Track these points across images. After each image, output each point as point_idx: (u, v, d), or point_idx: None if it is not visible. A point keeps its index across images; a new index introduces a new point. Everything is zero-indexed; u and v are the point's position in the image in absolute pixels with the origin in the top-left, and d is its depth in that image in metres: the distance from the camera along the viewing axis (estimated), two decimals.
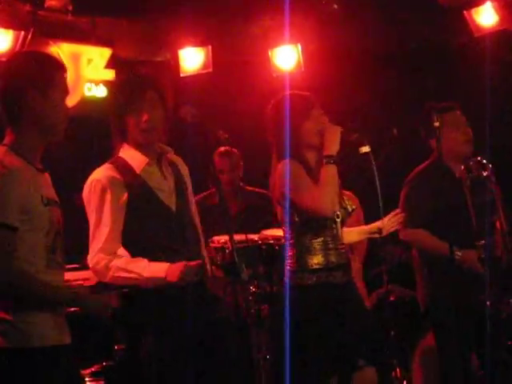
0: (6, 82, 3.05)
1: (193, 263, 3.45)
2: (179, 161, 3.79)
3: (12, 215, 2.87)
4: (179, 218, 3.61)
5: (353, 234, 4.25)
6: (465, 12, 6.36)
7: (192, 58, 6.66)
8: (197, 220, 3.78)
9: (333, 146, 3.88)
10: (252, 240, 4.59)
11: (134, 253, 3.53)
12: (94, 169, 3.70)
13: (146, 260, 3.50)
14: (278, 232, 4.69)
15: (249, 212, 5.54)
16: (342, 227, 4.01)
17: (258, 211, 5.33)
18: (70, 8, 6.06)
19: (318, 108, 4.01)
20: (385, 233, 4.20)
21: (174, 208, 3.61)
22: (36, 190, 2.95)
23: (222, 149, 5.40)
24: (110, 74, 6.55)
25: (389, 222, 4.20)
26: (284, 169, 3.92)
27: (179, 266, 3.45)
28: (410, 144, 5.64)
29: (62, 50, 6.19)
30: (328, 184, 3.83)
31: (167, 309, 3.46)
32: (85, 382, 3.20)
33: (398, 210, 4.30)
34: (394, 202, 4.69)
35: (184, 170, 3.78)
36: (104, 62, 6.50)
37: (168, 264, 3.47)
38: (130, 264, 3.49)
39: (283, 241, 4.48)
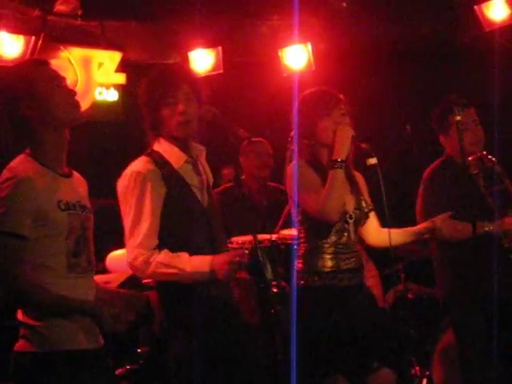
0: (1, 106, 3.04)
1: (235, 255, 3.35)
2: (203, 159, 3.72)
3: (21, 224, 2.86)
4: (210, 216, 3.56)
5: (399, 235, 4.09)
6: (475, 7, 6.34)
7: (202, 60, 6.65)
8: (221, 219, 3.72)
9: (341, 150, 3.80)
10: (271, 240, 4.56)
11: (166, 249, 3.43)
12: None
13: (186, 254, 3.38)
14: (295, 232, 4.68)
15: (273, 208, 5.48)
16: (357, 228, 3.97)
17: (282, 207, 5.28)
18: (80, 12, 6.07)
19: (342, 107, 3.94)
20: (440, 234, 4.09)
21: (206, 205, 3.55)
22: (52, 196, 2.93)
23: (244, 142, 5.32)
24: (121, 78, 6.55)
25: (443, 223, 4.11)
26: (293, 170, 3.89)
27: (224, 260, 3.34)
28: (424, 140, 5.61)
29: (72, 55, 6.20)
30: (334, 189, 3.75)
31: (194, 311, 3.40)
32: None
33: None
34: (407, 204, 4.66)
35: (207, 167, 3.73)
36: (114, 65, 6.51)
37: (211, 257, 3.37)
38: (172, 259, 3.37)
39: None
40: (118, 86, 6.57)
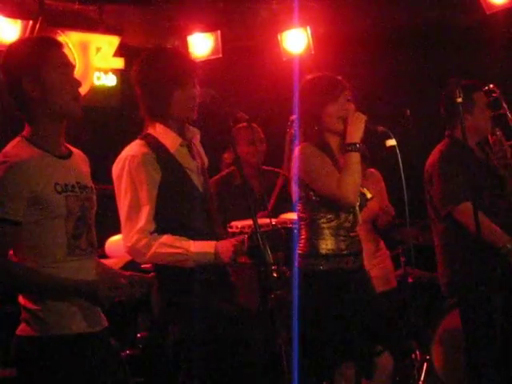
0: (3, 76, 3.01)
1: (238, 240, 3.36)
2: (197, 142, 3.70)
3: (14, 209, 2.84)
4: (206, 199, 3.56)
5: None
6: None
7: (201, 44, 6.63)
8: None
9: (355, 134, 3.82)
10: (271, 224, 4.54)
11: (164, 233, 3.43)
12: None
13: (188, 239, 3.40)
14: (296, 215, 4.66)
15: (268, 192, 5.46)
16: (358, 213, 3.98)
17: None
18: None
19: (347, 94, 3.94)
20: None
21: (201, 189, 3.55)
22: (48, 179, 2.91)
23: (242, 124, 5.30)
24: (119, 63, 6.51)
25: None
26: (301, 152, 3.89)
27: (230, 243, 3.36)
28: (423, 124, 5.59)
29: (70, 39, 6.15)
30: (351, 172, 3.79)
31: (193, 295, 3.39)
32: (125, 366, 3.12)
33: None
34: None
35: (202, 150, 3.71)
36: (113, 50, 6.47)
37: (215, 241, 3.39)
38: (176, 240, 3.38)
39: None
40: (116, 71, 6.53)
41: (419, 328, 5.51)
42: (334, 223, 3.89)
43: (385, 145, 3.85)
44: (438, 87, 4.67)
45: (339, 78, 3.98)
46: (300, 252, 3.95)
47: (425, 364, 5.40)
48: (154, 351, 3.66)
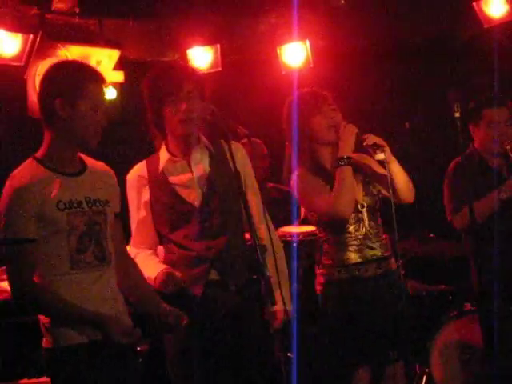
0: (40, 88, 3.16)
1: (177, 274, 3.48)
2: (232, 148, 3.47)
3: (28, 227, 2.99)
4: (204, 213, 3.58)
5: None
6: (474, 3, 6.32)
7: (201, 58, 6.63)
8: (244, 210, 3.39)
9: (346, 147, 3.88)
10: None
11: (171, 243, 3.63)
12: (117, 171, 3.71)
13: (156, 259, 3.63)
14: (296, 229, 4.68)
15: (271, 207, 5.46)
16: (373, 215, 4.02)
17: (279, 205, 5.26)
18: (77, 10, 6.04)
19: (330, 103, 4.01)
20: None
21: (197, 203, 3.59)
22: (51, 197, 3.03)
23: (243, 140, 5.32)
24: (119, 76, 6.52)
25: None
26: (296, 179, 3.99)
27: (161, 275, 3.48)
28: (423, 136, 5.62)
29: (70, 53, 6.16)
30: (343, 186, 3.83)
31: (193, 305, 3.48)
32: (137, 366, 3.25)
33: None
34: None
35: (238, 157, 3.59)
36: (113, 63, 6.47)
37: (161, 269, 3.52)
38: (143, 261, 3.54)
39: (301, 238, 4.51)
40: (116, 84, 6.54)
41: (418, 340, 5.50)
42: (349, 232, 3.96)
43: (374, 158, 3.88)
44: (437, 101, 4.70)
45: (317, 90, 4.05)
46: (325, 264, 4.03)
47: (424, 377, 5.39)
48: (154, 365, 3.68)
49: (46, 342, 3.09)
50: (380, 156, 3.84)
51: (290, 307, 3.55)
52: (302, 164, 4.00)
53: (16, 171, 3.10)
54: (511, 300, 4.59)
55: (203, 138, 3.67)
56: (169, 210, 3.58)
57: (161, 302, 3.26)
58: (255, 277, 3.35)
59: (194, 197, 3.59)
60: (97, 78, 3.15)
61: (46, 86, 3.15)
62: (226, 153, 3.53)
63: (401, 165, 3.95)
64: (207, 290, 3.50)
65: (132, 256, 3.50)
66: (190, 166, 3.64)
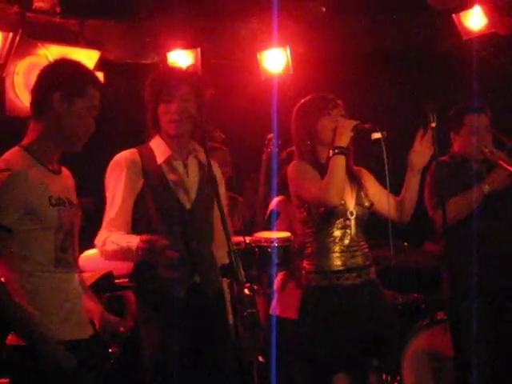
0: (39, 78, 3.14)
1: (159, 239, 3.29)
2: (212, 163, 3.53)
3: (10, 216, 2.92)
4: (192, 216, 3.56)
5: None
6: (453, 15, 6.39)
7: (181, 61, 6.61)
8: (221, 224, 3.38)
9: (342, 138, 3.91)
10: (245, 242, 4.57)
11: None
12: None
13: (134, 236, 3.41)
14: (271, 234, 4.69)
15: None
16: (360, 225, 4.04)
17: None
18: (58, 10, 6.04)
19: (340, 110, 4.07)
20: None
21: (188, 206, 3.57)
22: (44, 191, 3.01)
23: (216, 143, 5.34)
24: (99, 77, 6.50)
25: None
26: (291, 168, 4.06)
27: (151, 237, 3.31)
28: (400, 145, 5.64)
29: (50, 52, 6.14)
30: (335, 174, 3.86)
31: (168, 312, 3.45)
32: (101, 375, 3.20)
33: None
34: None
35: (216, 172, 3.63)
36: (92, 64, 6.43)
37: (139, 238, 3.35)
38: (120, 236, 3.43)
39: (275, 244, 4.52)
40: None
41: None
42: (335, 238, 3.98)
43: (371, 138, 3.91)
44: (415, 110, 4.73)
45: (333, 97, 4.11)
46: (306, 269, 4.05)
47: None
48: (126, 366, 3.67)
49: (16, 340, 2.99)
50: (376, 135, 3.88)
51: None
52: (302, 158, 4.07)
53: (7, 156, 3.03)
54: (488, 296, 4.61)
55: (195, 144, 3.67)
56: (161, 205, 3.53)
57: (103, 313, 3.24)
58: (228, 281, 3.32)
59: (186, 199, 3.58)
60: (98, 83, 3.17)
61: (47, 78, 3.12)
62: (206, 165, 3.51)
63: (378, 172, 3.99)
64: (189, 293, 3.49)
65: (102, 238, 3.43)
66: (186, 168, 3.63)
